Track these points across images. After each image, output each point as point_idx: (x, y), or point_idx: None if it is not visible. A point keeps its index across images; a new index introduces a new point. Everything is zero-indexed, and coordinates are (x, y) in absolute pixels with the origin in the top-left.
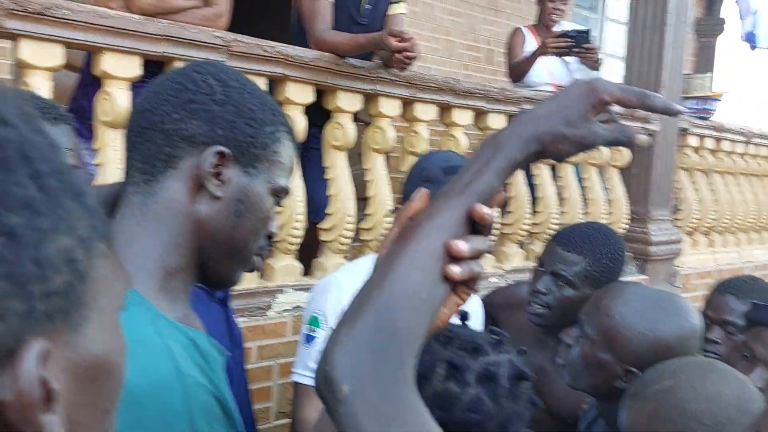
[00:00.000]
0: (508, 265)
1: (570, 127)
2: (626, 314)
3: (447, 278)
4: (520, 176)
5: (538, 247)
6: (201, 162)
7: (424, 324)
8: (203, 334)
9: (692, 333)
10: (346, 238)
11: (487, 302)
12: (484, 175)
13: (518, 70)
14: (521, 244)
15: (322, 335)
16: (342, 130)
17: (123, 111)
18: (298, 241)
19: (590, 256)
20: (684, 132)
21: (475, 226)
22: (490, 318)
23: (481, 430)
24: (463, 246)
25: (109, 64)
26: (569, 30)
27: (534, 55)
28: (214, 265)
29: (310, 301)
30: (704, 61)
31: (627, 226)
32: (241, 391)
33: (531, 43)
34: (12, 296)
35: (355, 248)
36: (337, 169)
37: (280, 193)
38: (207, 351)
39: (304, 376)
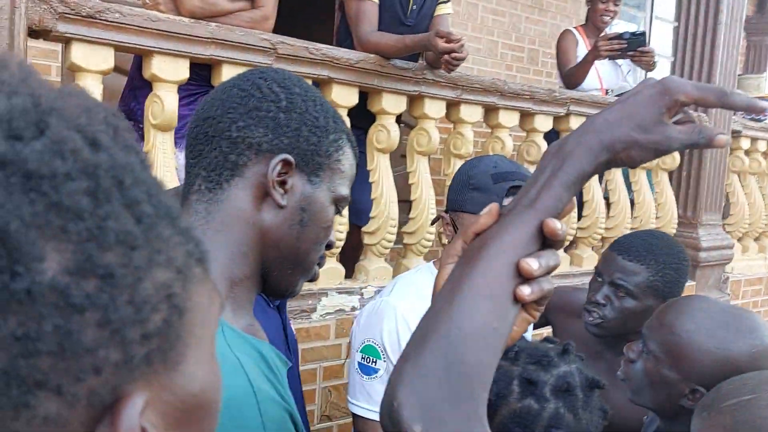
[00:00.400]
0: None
1: (643, 133)
2: (693, 331)
3: (517, 299)
4: None
5: (583, 252)
6: (267, 170)
7: (497, 354)
8: (268, 345)
9: (765, 353)
10: (388, 241)
11: None
12: (553, 188)
13: (573, 79)
14: (566, 249)
15: (383, 367)
16: (386, 132)
17: (171, 114)
18: (341, 244)
19: (653, 265)
20: (736, 134)
21: (545, 241)
22: (542, 317)
23: None
24: (534, 265)
25: (158, 67)
26: (623, 32)
27: (587, 61)
28: (277, 275)
29: (362, 326)
30: (755, 61)
31: (675, 231)
32: (298, 396)
33: (581, 46)
34: (108, 345)
35: (396, 251)
36: (381, 171)
37: (341, 202)
38: (273, 362)
39: (370, 410)
